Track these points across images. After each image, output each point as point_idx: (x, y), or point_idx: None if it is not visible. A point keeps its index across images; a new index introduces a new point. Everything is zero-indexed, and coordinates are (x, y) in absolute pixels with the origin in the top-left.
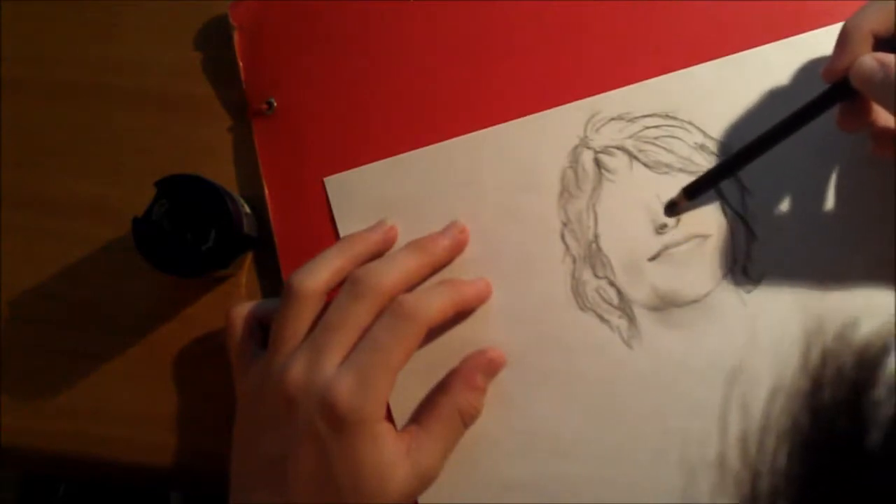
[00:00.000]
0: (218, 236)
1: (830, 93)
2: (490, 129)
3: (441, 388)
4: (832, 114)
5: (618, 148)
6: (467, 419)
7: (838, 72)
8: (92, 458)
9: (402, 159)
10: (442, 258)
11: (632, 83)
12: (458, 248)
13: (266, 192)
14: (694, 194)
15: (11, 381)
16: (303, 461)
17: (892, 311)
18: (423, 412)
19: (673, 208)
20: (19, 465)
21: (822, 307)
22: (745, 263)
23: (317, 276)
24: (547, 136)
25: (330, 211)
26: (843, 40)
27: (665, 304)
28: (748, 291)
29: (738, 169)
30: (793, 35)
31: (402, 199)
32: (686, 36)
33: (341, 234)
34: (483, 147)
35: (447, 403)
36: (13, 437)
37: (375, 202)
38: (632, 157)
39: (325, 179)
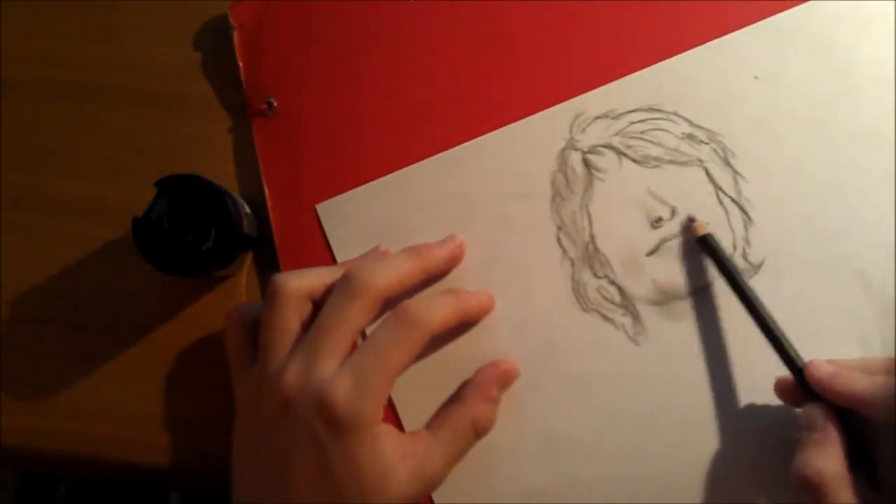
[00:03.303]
0: (218, 236)
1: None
2: (475, 140)
3: (456, 399)
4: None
5: (605, 146)
6: (480, 430)
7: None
8: (92, 458)
9: (391, 179)
10: (436, 266)
11: (616, 79)
12: (454, 260)
13: (266, 192)
14: (704, 250)
15: (11, 381)
16: (302, 463)
17: (892, 291)
18: (435, 420)
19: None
20: (19, 465)
21: (824, 287)
22: (745, 249)
23: (300, 278)
24: (533, 141)
25: None
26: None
27: (667, 298)
28: (750, 276)
29: (735, 288)
30: (775, 14)
31: (395, 218)
32: (664, 28)
33: (337, 257)
34: (470, 159)
35: (461, 413)
36: (13, 437)
37: (369, 224)
38: (620, 153)
39: (317, 206)
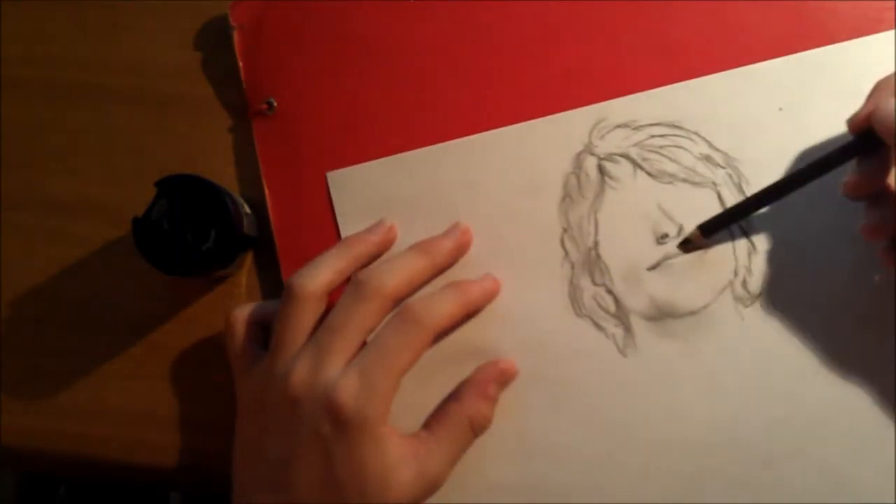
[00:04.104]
0: (218, 236)
1: (854, 143)
2: (494, 131)
3: (453, 397)
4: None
5: (622, 155)
6: (477, 428)
7: (863, 120)
8: (92, 458)
9: (405, 158)
10: (445, 260)
11: (639, 91)
12: (461, 250)
13: (266, 192)
14: (710, 232)
15: (11, 381)
16: (307, 463)
17: (892, 333)
18: (433, 419)
19: (687, 245)
20: (19, 465)
21: (820, 326)
22: (745, 277)
23: (317, 277)
24: (551, 140)
25: (331, 211)
26: (872, 92)
27: (662, 315)
28: (746, 305)
29: (754, 210)
30: (805, 49)
31: (404, 197)
32: (696, 45)
33: (341, 228)
34: (487, 149)
35: (458, 412)
36: (13, 437)
37: (377, 199)
38: (636, 165)
39: (328, 174)
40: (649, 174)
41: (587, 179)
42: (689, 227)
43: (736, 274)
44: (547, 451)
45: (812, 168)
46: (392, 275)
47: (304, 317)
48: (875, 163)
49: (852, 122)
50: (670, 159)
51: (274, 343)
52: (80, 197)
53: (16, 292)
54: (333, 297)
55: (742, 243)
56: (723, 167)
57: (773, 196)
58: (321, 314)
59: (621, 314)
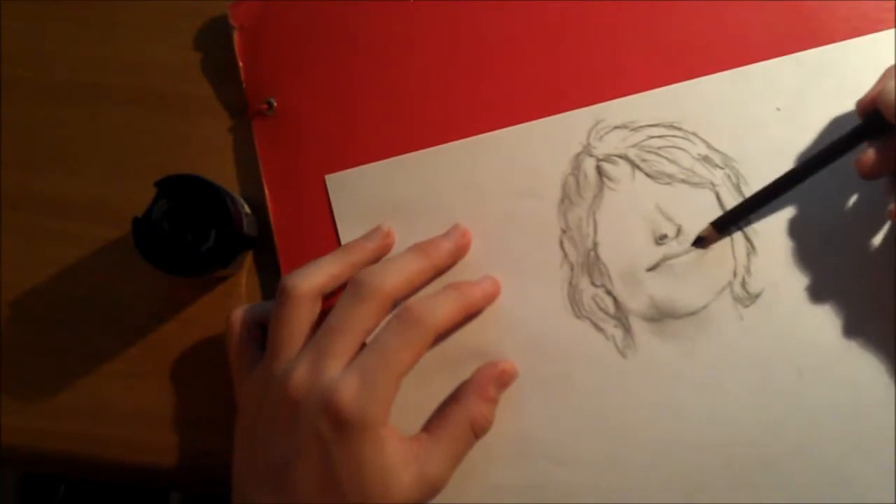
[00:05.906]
0: (218, 236)
1: (862, 126)
2: (493, 133)
3: (453, 399)
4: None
5: (620, 156)
6: (478, 430)
7: (870, 102)
8: (92, 458)
9: (404, 160)
10: (444, 262)
11: (638, 91)
12: (460, 252)
13: (266, 192)
14: (724, 228)
15: (11, 381)
16: (306, 464)
17: (892, 333)
18: (433, 421)
19: (701, 242)
20: (19, 465)
21: (819, 327)
22: (745, 277)
23: (310, 278)
24: (550, 142)
25: (330, 210)
26: (883, 76)
27: (661, 315)
28: (746, 306)
29: (767, 202)
30: (805, 49)
31: (403, 199)
32: (694, 45)
33: (340, 231)
34: (485, 151)
35: (458, 414)
36: (13, 437)
37: (376, 202)
38: (634, 166)
39: (327, 177)
40: (648, 175)
41: (586, 180)
42: (688, 227)
43: (735, 274)
44: (547, 452)
45: (825, 153)
46: (391, 275)
47: (298, 317)
48: (887, 143)
49: (860, 104)
50: (669, 160)
51: (270, 344)
52: (80, 197)
53: (16, 292)
54: (332, 301)
55: (741, 244)
56: (721, 168)
57: (783, 188)
58: (316, 316)
59: (621, 315)
